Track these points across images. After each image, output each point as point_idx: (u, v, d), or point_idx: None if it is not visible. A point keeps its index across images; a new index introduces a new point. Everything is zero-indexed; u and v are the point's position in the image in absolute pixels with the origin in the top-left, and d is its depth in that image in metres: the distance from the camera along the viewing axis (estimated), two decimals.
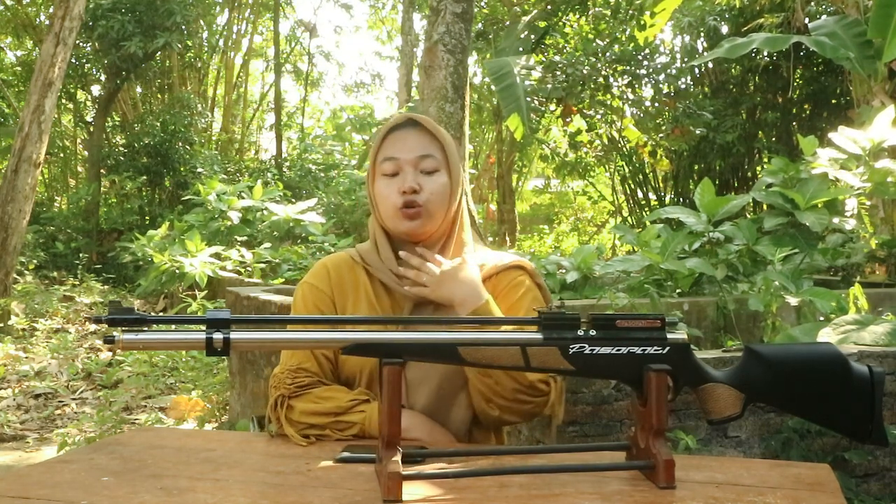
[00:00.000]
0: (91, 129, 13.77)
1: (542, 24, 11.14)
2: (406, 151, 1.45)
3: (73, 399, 5.37)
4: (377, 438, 1.31)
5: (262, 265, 7.09)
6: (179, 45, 12.79)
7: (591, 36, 11.01)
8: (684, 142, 9.96)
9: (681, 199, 10.83)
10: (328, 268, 1.52)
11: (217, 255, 7.23)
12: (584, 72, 9.44)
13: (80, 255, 11.23)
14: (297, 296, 1.52)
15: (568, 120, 10.81)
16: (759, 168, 10.59)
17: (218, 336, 1.06)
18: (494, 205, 13.85)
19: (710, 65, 10.54)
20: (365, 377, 1.43)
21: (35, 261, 10.47)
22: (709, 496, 1.05)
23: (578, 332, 1.13)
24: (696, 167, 10.97)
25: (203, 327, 1.07)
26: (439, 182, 1.45)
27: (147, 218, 12.10)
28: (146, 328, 1.06)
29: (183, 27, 12.47)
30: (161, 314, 7.61)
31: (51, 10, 8.65)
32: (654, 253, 4.34)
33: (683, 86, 10.92)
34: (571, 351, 1.12)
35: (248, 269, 7.13)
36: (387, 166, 1.45)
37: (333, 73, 34.93)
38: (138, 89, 14.81)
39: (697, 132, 9.77)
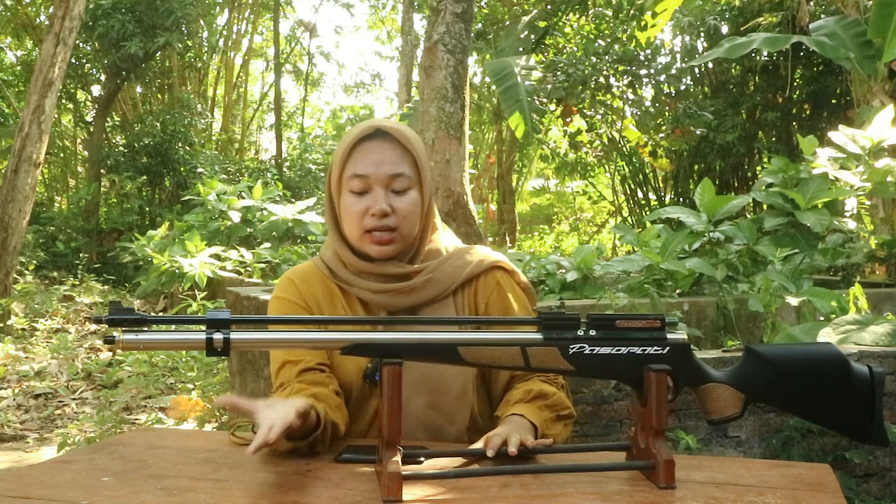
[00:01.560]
0: (91, 129, 13.76)
1: (542, 24, 11.14)
2: (377, 168, 1.36)
3: (73, 399, 5.37)
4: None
5: (262, 265, 7.09)
6: (179, 45, 12.78)
7: (591, 36, 11.01)
8: (684, 142, 9.96)
9: (681, 199, 10.83)
10: (294, 281, 1.46)
11: (217, 256, 7.23)
12: (585, 72, 9.44)
13: (80, 255, 11.22)
14: (269, 312, 1.46)
15: (568, 120, 10.80)
16: (759, 168, 10.58)
17: (218, 336, 1.06)
18: (494, 205, 13.85)
19: (710, 65, 10.54)
20: (355, 387, 1.40)
21: (35, 261, 10.46)
22: (709, 496, 1.05)
23: (578, 332, 1.13)
24: (696, 167, 10.97)
25: (203, 327, 1.07)
26: (410, 200, 1.38)
27: (147, 218, 12.10)
28: (146, 328, 1.06)
29: (183, 27, 12.46)
30: (161, 314, 7.61)
31: (51, 10, 8.65)
32: (654, 253, 4.34)
33: (683, 86, 10.92)
34: (571, 351, 1.13)
35: (248, 269, 7.13)
36: (355, 183, 1.36)
37: (333, 73, 34.91)
38: (138, 89, 14.80)
39: (697, 132, 9.77)
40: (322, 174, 13.37)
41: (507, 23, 11.41)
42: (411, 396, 1.37)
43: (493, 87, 10.43)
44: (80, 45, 12.30)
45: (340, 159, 1.40)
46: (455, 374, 1.39)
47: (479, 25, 11.44)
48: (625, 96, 10.40)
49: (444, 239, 1.50)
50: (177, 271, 6.95)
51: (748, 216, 7.09)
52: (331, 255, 1.45)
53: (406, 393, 1.36)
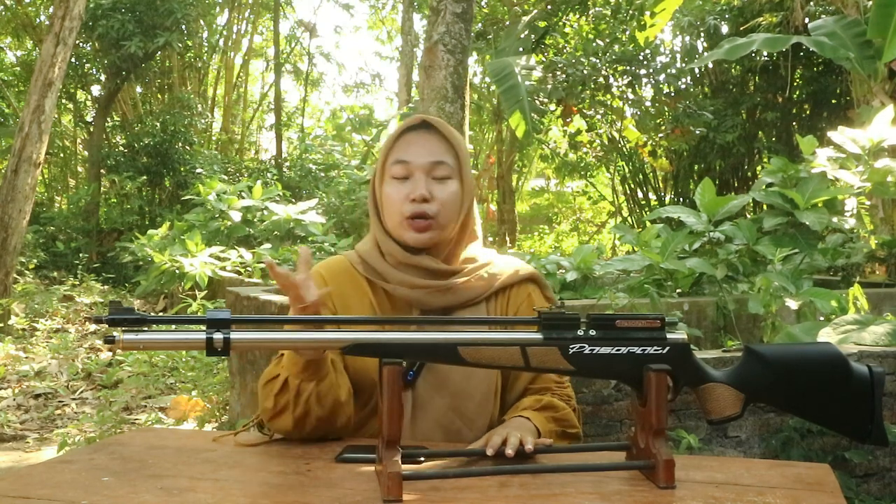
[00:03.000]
0: (91, 129, 13.76)
1: (542, 24, 11.14)
2: (419, 156, 1.39)
3: (73, 399, 5.37)
4: (299, 377, 1.26)
5: (262, 265, 7.09)
6: (179, 45, 12.78)
7: (591, 36, 11.01)
8: (684, 142, 9.96)
9: (681, 199, 10.83)
10: (322, 275, 1.45)
11: (217, 256, 7.23)
12: (585, 72, 9.44)
13: (80, 255, 11.22)
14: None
15: (568, 120, 10.81)
16: (759, 168, 10.58)
17: (218, 336, 1.06)
18: (494, 205, 13.84)
19: (710, 65, 10.55)
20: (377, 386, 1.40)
21: (35, 261, 10.46)
22: (709, 496, 1.05)
23: (578, 332, 1.13)
24: (696, 167, 10.98)
25: (203, 327, 1.07)
26: (450, 190, 1.40)
27: (147, 218, 12.10)
28: (146, 328, 1.06)
29: (183, 27, 12.46)
30: (161, 314, 7.61)
31: (51, 10, 8.65)
32: (654, 253, 4.34)
33: (683, 86, 10.92)
34: (571, 351, 1.12)
35: (248, 269, 7.13)
36: (397, 169, 1.39)
37: (333, 74, 34.94)
38: (138, 89, 14.79)
39: (697, 132, 9.77)
40: (322, 174, 13.37)
41: (507, 23, 11.41)
42: (434, 398, 1.37)
43: (493, 87, 10.43)
44: (80, 45, 12.30)
45: (385, 148, 1.43)
46: (480, 380, 1.39)
47: (479, 25, 11.43)
48: (624, 96, 10.40)
49: (482, 250, 1.51)
50: (177, 271, 6.95)
51: (748, 216, 7.09)
52: (369, 248, 1.46)
53: (429, 393, 1.36)
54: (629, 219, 11.94)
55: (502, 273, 1.46)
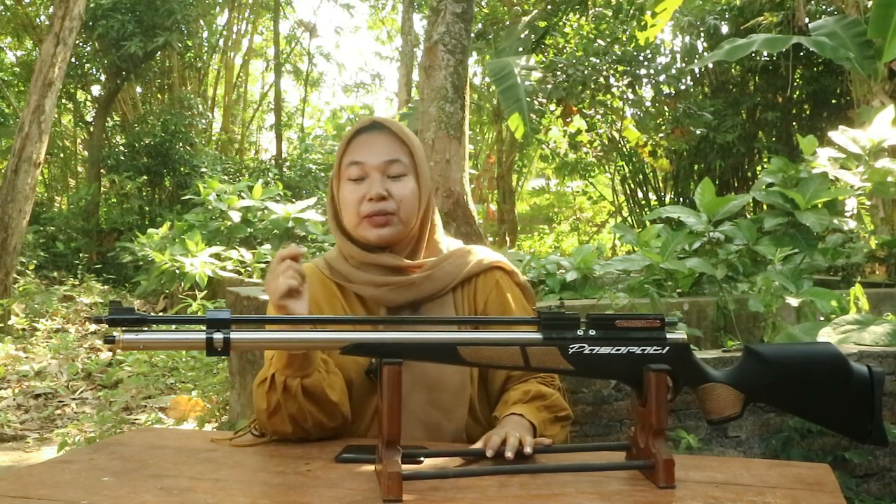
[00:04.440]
0: (91, 129, 13.76)
1: (542, 24, 11.14)
2: (373, 156, 1.41)
3: (73, 399, 5.37)
4: (284, 373, 1.28)
5: (262, 265, 7.09)
6: (179, 45, 12.78)
7: (591, 36, 11.01)
8: (684, 142, 9.96)
9: (681, 199, 10.83)
10: None
11: (217, 256, 7.23)
12: (585, 72, 9.44)
13: (80, 255, 11.22)
14: (268, 313, 1.42)
15: (568, 120, 10.80)
16: (759, 168, 10.59)
17: (218, 336, 1.06)
18: (494, 205, 13.84)
19: (710, 65, 10.54)
20: (356, 386, 1.40)
21: (35, 261, 10.46)
22: (709, 496, 1.05)
23: (578, 332, 1.13)
24: (696, 167, 10.97)
25: (203, 327, 1.07)
26: (408, 187, 1.42)
27: (147, 218, 12.09)
28: (146, 328, 1.06)
29: (183, 27, 12.46)
30: (161, 314, 7.61)
31: (51, 10, 8.65)
32: (654, 253, 4.34)
33: (683, 86, 10.92)
34: (571, 351, 1.12)
35: (248, 269, 7.13)
36: (352, 171, 1.41)
37: (333, 74, 34.93)
38: (138, 89, 14.79)
39: (697, 132, 9.77)
40: (322, 174, 13.38)
41: (507, 23, 11.41)
42: (410, 393, 1.37)
43: (493, 87, 10.42)
44: (80, 45, 12.29)
45: (340, 151, 1.45)
46: (453, 371, 1.40)
47: (479, 25, 11.44)
48: (625, 96, 10.39)
49: (445, 239, 1.53)
50: (177, 271, 6.95)
51: (748, 216, 7.09)
52: (335, 254, 1.49)
53: (404, 390, 1.36)
54: (629, 219, 11.93)
55: (467, 263, 1.47)
